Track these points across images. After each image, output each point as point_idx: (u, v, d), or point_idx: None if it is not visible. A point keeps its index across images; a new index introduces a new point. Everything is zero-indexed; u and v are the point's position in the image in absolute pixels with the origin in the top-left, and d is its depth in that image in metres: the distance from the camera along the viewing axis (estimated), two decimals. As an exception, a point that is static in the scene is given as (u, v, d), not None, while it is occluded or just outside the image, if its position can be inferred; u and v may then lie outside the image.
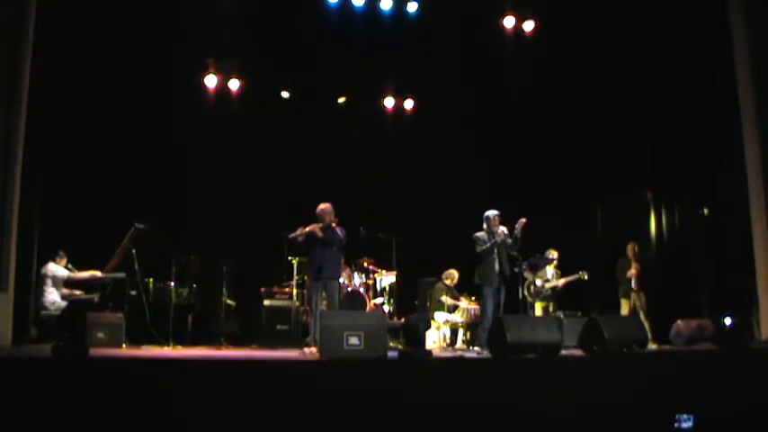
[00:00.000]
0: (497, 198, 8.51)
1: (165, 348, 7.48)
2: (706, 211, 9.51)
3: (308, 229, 7.09)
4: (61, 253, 7.76)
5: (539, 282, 9.24)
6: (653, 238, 10.29)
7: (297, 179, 9.75)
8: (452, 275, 9.50)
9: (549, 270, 9.38)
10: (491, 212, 7.71)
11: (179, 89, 9.62)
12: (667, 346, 8.09)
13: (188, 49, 9.25)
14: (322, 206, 7.23)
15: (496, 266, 7.53)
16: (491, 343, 6.35)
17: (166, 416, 4.19)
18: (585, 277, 9.17)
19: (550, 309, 9.27)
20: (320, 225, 7.12)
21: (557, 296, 9.34)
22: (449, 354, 7.61)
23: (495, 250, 7.54)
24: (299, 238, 7.13)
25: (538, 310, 9.27)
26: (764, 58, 7.90)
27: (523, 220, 7.54)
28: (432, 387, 4.88)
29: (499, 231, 7.58)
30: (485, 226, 7.71)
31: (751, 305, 8.03)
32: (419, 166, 10.63)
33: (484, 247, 7.54)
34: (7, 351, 6.05)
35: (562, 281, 9.24)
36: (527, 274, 9.12)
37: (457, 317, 9.16)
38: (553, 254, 9.37)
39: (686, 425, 4.89)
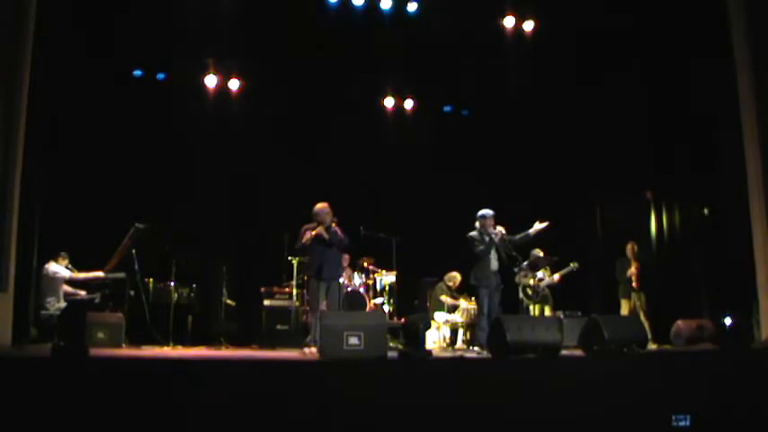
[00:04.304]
0: (497, 198, 8.52)
1: (165, 348, 7.48)
2: (706, 211, 9.52)
3: (314, 233, 7.06)
4: (63, 254, 7.75)
5: (531, 282, 9.23)
6: (653, 238, 10.29)
7: (297, 179, 9.75)
8: (455, 278, 9.50)
9: (540, 272, 9.35)
10: (486, 212, 7.69)
11: (179, 88, 9.63)
12: (667, 346, 8.09)
13: (188, 49, 9.25)
14: (321, 206, 7.17)
15: (492, 267, 7.52)
16: (491, 343, 6.35)
17: (166, 416, 4.19)
18: (576, 266, 9.14)
19: (547, 310, 9.25)
20: (324, 226, 7.09)
21: (554, 295, 9.33)
22: (449, 354, 7.60)
23: (492, 250, 7.53)
24: (307, 243, 7.09)
25: (536, 313, 9.26)
26: (764, 58, 7.90)
27: (546, 223, 7.54)
28: (432, 387, 4.88)
29: (497, 231, 7.57)
30: (477, 225, 7.69)
31: (751, 305, 8.03)
32: (419, 165, 10.63)
33: (481, 248, 7.53)
34: (7, 351, 6.04)
35: (557, 276, 9.23)
36: (523, 277, 9.06)
37: (457, 317, 9.16)
38: (540, 253, 9.33)
39: (683, 424, 4.89)
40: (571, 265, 9.17)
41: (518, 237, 7.66)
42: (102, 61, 8.82)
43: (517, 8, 9.92)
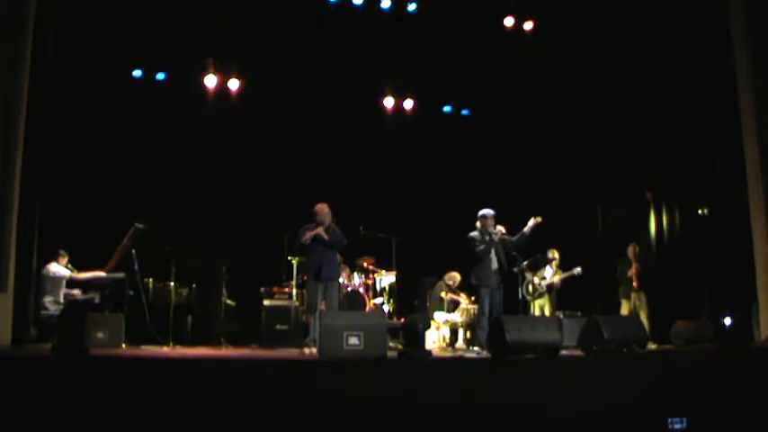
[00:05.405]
0: (497, 197, 8.50)
1: (165, 348, 7.47)
2: (706, 210, 9.52)
3: (314, 233, 7.06)
4: (62, 252, 7.74)
5: (536, 280, 9.26)
6: (653, 239, 10.29)
7: (297, 179, 9.75)
8: (454, 277, 9.50)
9: (549, 269, 9.39)
10: (487, 212, 7.69)
11: (179, 88, 9.62)
12: (667, 346, 8.10)
13: (188, 49, 9.25)
14: (320, 206, 7.20)
15: (493, 266, 7.52)
16: (491, 343, 6.35)
17: (166, 416, 4.20)
18: (578, 271, 9.16)
19: (546, 308, 9.28)
20: (323, 227, 7.09)
21: (554, 294, 9.34)
22: (449, 354, 7.60)
23: (492, 250, 7.53)
24: (307, 242, 7.09)
25: (536, 310, 9.29)
26: (764, 58, 7.90)
27: (538, 219, 7.55)
28: (432, 387, 4.89)
29: (497, 230, 7.57)
30: (478, 225, 7.69)
31: (751, 305, 8.03)
32: (419, 165, 10.62)
33: (482, 247, 7.52)
34: (7, 351, 6.05)
35: (557, 278, 9.25)
36: (526, 274, 9.13)
37: (457, 317, 9.16)
38: (554, 254, 9.39)
39: (678, 426, 4.91)
40: (574, 271, 9.18)
41: (516, 237, 7.66)
42: (102, 61, 8.82)
43: (517, 8, 9.91)
